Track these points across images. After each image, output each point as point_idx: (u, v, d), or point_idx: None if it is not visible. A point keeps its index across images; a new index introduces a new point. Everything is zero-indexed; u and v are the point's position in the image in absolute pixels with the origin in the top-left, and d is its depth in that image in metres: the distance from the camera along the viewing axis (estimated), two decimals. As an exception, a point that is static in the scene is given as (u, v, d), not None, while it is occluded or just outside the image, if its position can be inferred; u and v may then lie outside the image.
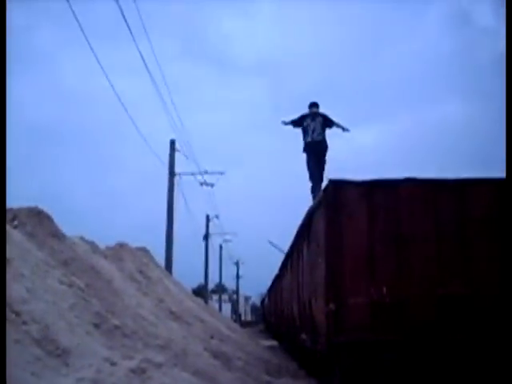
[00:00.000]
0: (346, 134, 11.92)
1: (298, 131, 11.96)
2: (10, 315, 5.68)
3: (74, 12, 10.82)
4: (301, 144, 11.91)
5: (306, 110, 12.02)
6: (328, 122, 11.75)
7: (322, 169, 11.58)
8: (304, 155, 11.85)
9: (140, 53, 15.26)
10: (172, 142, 23.54)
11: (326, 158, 11.73)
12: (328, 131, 11.80)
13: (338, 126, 11.79)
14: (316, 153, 11.67)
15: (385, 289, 6.87)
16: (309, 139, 11.66)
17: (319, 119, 11.71)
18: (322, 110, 12.06)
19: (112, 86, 14.67)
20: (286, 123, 12.01)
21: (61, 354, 5.77)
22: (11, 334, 5.40)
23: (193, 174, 26.30)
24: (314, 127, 11.66)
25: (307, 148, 11.75)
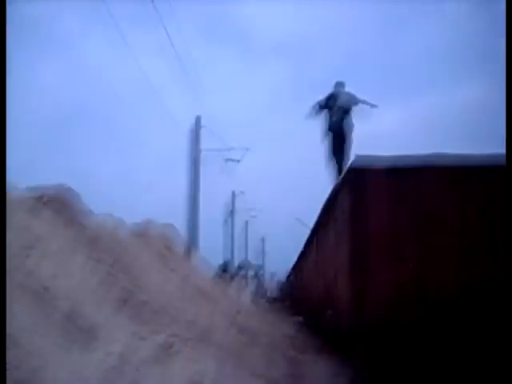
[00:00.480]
0: (374, 109, 11.87)
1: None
2: (40, 291, 5.80)
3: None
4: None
5: (330, 90, 12.02)
6: (354, 100, 11.70)
7: (348, 147, 11.56)
8: (329, 134, 11.85)
9: (167, 33, 15.34)
10: (198, 118, 23.58)
11: (353, 136, 11.69)
12: (355, 108, 11.76)
13: (365, 102, 11.73)
14: (340, 131, 11.66)
15: (410, 267, 6.85)
16: (334, 118, 11.66)
17: (344, 97, 11.70)
18: (346, 89, 12.03)
19: (140, 66, 14.67)
20: (315, 112, 12.01)
21: (89, 329, 5.89)
22: (42, 308, 5.52)
23: (218, 150, 26.33)
24: (339, 106, 11.65)
25: (331, 127, 11.75)
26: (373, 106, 11.79)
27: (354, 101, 11.70)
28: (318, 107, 12.03)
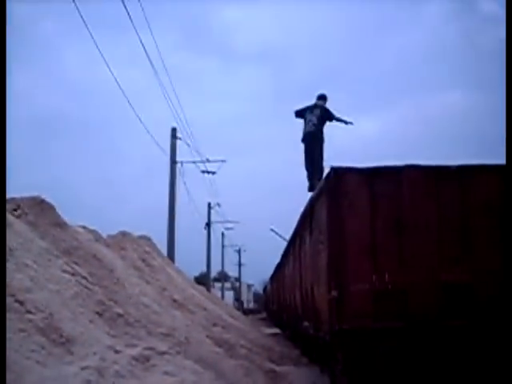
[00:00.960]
0: (349, 126, 12.01)
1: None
2: (13, 304, 5.71)
3: (75, 1, 10.77)
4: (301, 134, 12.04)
5: (312, 101, 12.13)
6: (327, 116, 11.82)
7: (316, 159, 11.63)
8: (302, 145, 11.99)
9: (141, 42, 15.26)
10: (173, 130, 23.51)
11: (323, 149, 11.76)
12: (329, 124, 11.88)
13: (339, 120, 11.88)
14: (309, 143, 11.80)
15: (387, 276, 6.88)
16: (306, 130, 11.82)
17: (317, 112, 11.83)
18: (328, 102, 12.13)
19: (113, 75, 14.71)
20: (295, 115, 12.19)
21: (65, 343, 5.81)
22: (15, 322, 5.43)
23: (194, 162, 26.27)
24: (310, 119, 11.81)
25: (303, 138, 11.91)
26: (348, 123, 11.94)
27: (329, 117, 11.82)
28: (294, 115, 12.20)
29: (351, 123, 11.96)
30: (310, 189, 11.20)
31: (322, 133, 11.82)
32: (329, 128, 11.91)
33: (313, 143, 11.77)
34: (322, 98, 12.12)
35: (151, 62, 17.08)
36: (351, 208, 7.02)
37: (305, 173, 11.89)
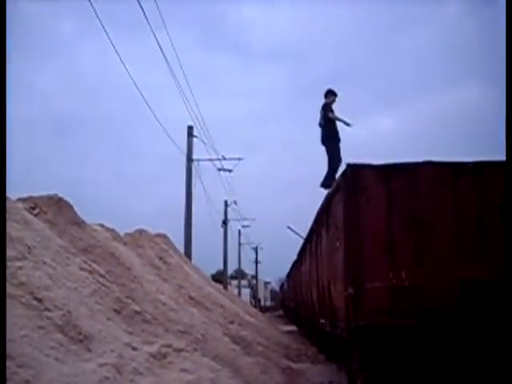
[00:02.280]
0: (348, 128, 11.78)
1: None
2: (32, 302, 5.76)
3: (91, 1, 10.85)
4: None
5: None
6: (324, 116, 11.72)
7: (328, 154, 11.55)
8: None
9: (157, 40, 15.29)
10: (190, 128, 23.54)
11: (337, 147, 11.63)
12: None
13: (337, 119, 11.65)
14: (323, 144, 11.75)
15: (404, 273, 6.85)
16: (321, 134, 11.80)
17: (322, 111, 11.77)
18: (339, 97, 12.01)
19: (128, 72, 14.74)
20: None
21: (83, 340, 5.85)
22: (34, 320, 5.48)
23: (210, 159, 26.24)
24: (319, 121, 11.80)
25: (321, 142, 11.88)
26: (347, 124, 11.66)
27: (324, 117, 11.68)
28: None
29: (349, 124, 11.65)
30: (322, 184, 11.17)
31: (330, 131, 11.67)
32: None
33: (326, 143, 11.71)
34: (326, 95, 11.93)
35: (167, 60, 17.13)
36: (368, 204, 6.99)
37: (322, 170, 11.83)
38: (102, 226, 12.03)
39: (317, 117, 12.02)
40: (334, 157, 11.46)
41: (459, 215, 6.99)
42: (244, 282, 64.07)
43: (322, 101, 11.92)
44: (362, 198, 7.01)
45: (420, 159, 7.19)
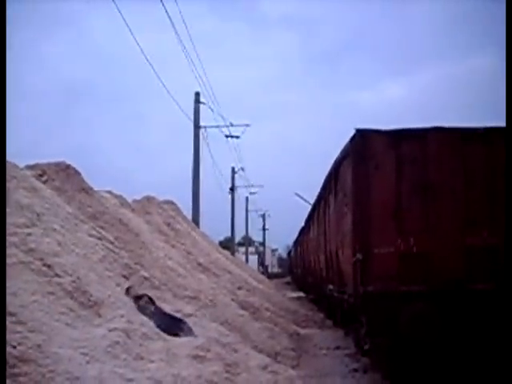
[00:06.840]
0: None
1: None
2: (42, 268, 5.79)
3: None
4: None
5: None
6: None
7: None
8: None
9: (163, 5, 15.06)
10: (197, 94, 23.37)
11: None
12: None
13: None
14: None
15: (412, 239, 6.84)
16: None
17: None
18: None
19: (136, 40, 14.59)
20: None
21: (93, 305, 5.89)
22: (44, 286, 5.52)
23: (218, 126, 26.12)
24: None
25: None
26: None
27: None
28: None
29: None
30: None
31: None
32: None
33: None
34: None
35: (174, 27, 16.94)
36: (377, 170, 6.95)
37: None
38: (110, 192, 12.04)
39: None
40: None
41: (469, 181, 6.95)
42: (251, 249, 64.41)
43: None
44: (371, 163, 6.96)
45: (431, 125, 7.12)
